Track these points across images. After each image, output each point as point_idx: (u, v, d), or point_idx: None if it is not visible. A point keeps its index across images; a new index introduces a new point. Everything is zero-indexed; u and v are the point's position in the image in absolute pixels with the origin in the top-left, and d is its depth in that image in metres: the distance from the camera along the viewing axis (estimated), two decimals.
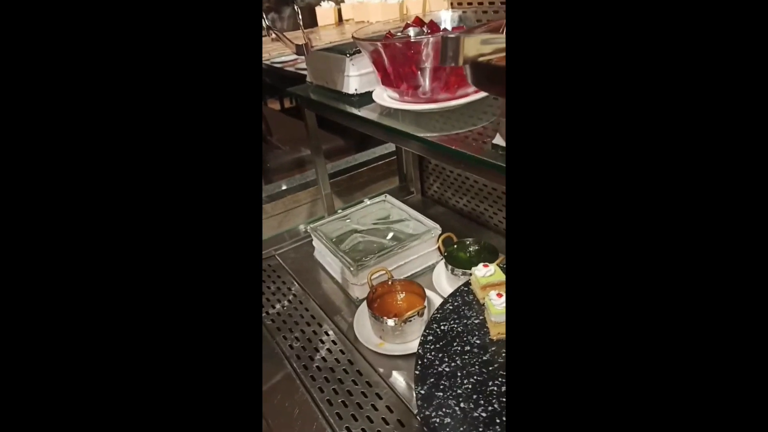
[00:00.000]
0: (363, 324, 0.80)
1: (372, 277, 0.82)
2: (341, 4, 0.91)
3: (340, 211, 1.07)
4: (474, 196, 1.07)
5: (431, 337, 0.64)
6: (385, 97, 0.73)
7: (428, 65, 0.65)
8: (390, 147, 1.46)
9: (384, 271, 0.83)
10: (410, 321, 0.73)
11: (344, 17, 0.92)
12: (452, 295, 0.72)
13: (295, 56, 1.02)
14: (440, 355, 0.61)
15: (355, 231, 0.99)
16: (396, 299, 0.82)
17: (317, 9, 0.88)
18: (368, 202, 1.07)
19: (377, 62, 0.69)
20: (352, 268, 0.84)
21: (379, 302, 0.81)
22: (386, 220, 1.01)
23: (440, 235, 0.92)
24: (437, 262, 0.93)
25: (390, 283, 0.82)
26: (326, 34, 0.85)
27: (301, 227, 1.13)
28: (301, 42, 0.68)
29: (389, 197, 1.08)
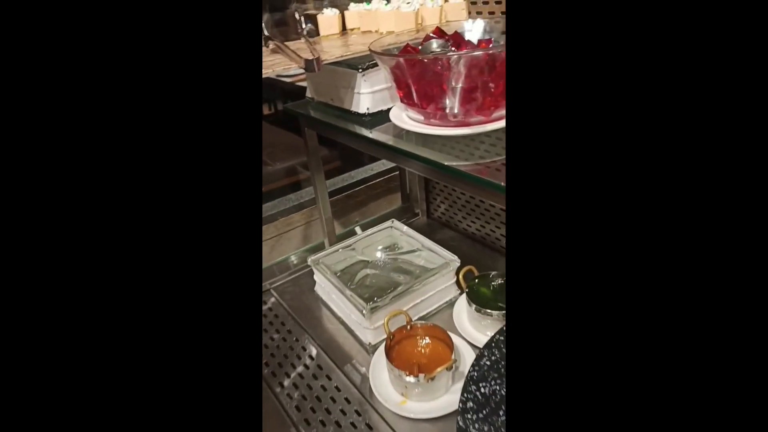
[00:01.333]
0: (379, 376, 0.70)
1: (389, 320, 0.72)
2: (345, 12, 0.81)
3: (339, 237, 0.97)
4: (489, 220, 0.98)
5: (471, 404, 0.54)
6: (404, 118, 0.63)
7: (461, 84, 0.56)
8: (389, 163, 1.36)
9: (401, 313, 0.73)
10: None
11: (348, 26, 0.82)
12: (487, 346, 0.63)
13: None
14: (486, 428, 0.52)
15: (362, 263, 0.88)
16: (417, 346, 0.72)
17: (319, 17, 0.78)
18: (373, 230, 0.97)
19: (399, 80, 0.59)
20: (364, 311, 0.74)
21: (397, 350, 0.71)
22: (395, 251, 0.92)
23: (459, 268, 0.83)
24: (456, 298, 0.84)
25: (409, 327, 0.72)
26: (330, 46, 0.75)
27: (293, 258, 1.02)
28: (310, 56, 0.58)
29: (396, 223, 0.98)
